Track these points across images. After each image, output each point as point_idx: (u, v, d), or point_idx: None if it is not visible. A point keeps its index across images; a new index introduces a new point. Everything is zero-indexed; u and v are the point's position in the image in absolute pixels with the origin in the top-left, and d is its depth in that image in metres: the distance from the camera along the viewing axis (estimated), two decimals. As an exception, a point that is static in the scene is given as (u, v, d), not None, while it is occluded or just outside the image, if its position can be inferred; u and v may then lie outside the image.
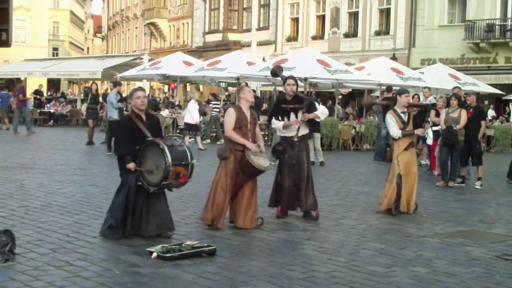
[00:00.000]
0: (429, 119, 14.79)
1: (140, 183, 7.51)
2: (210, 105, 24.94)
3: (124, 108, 17.91)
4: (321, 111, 9.38)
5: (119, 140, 7.92)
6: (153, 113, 14.88)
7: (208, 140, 24.19)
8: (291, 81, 9.21)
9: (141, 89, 8.01)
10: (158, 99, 39.28)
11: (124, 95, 19.96)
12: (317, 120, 9.54)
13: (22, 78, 36.55)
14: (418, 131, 10.04)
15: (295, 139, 9.08)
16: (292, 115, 9.16)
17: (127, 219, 7.52)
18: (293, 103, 9.14)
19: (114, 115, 18.10)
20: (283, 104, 9.22)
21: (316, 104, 9.57)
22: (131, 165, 7.45)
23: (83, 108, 26.42)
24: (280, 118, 9.21)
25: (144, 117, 7.76)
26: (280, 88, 27.98)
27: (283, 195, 9.15)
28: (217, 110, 24.83)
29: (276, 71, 9.95)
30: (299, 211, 9.28)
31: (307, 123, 9.27)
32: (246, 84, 22.59)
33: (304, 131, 9.27)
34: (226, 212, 8.37)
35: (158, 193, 7.65)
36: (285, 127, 9.16)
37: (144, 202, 7.58)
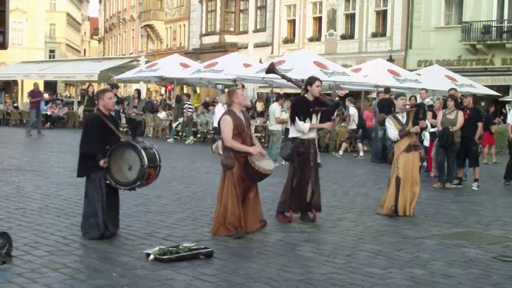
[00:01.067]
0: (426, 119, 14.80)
1: (108, 181, 7.64)
2: (186, 105, 25.01)
3: (121, 110, 17.89)
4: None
5: (89, 138, 7.74)
6: (149, 115, 14.88)
7: (190, 140, 24.23)
8: (319, 83, 9.23)
9: (110, 89, 8.09)
10: (155, 102, 39.28)
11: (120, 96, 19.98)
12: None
13: (19, 81, 36.51)
14: (414, 129, 10.07)
15: (327, 141, 9.19)
16: (314, 117, 9.18)
17: (104, 217, 7.60)
18: (316, 104, 9.15)
19: None
20: (305, 105, 9.17)
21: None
22: (102, 162, 7.55)
23: (80, 110, 26.44)
24: (302, 119, 9.14)
25: (109, 116, 7.88)
26: (276, 90, 27.98)
27: (296, 198, 9.14)
28: (191, 110, 24.95)
29: (272, 68, 9.97)
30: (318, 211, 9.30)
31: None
32: (243, 86, 22.70)
33: (316, 133, 9.46)
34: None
35: (114, 191, 7.80)
36: (312, 128, 9.17)
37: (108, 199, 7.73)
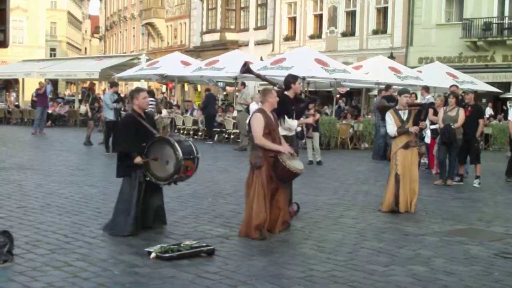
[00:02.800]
0: (428, 119, 14.78)
1: (148, 178, 7.79)
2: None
3: (122, 109, 17.90)
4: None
5: (123, 138, 7.96)
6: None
7: None
8: (300, 80, 9.29)
9: (144, 89, 8.27)
10: (158, 100, 39.26)
11: (121, 95, 20.01)
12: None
13: (20, 79, 36.51)
14: (413, 128, 10.06)
15: (310, 136, 9.15)
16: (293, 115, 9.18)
17: (138, 214, 7.76)
18: (296, 101, 9.16)
19: (109, 115, 18.12)
20: (289, 102, 9.14)
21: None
22: (138, 159, 7.68)
23: (82, 109, 26.44)
24: (286, 117, 9.13)
25: (143, 115, 8.04)
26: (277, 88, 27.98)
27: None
28: (152, 107, 25.01)
29: (247, 68, 9.99)
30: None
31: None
32: (244, 84, 22.70)
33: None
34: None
35: (156, 187, 7.97)
36: (299, 125, 9.21)
37: (146, 196, 7.89)
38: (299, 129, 9.35)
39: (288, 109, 9.10)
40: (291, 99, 9.12)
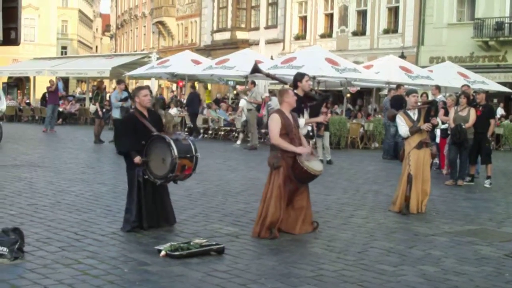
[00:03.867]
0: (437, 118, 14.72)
1: (147, 176, 7.81)
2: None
3: (132, 107, 17.96)
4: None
5: (122, 137, 8.09)
6: (161, 111, 14.93)
7: None
8: (308, 77, 9.21)
9: (146, 87, 8.26)
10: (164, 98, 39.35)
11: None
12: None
13: (31, 77, 36.63)
14: (425, 126, 10.01)
15: (321, 134, 9.07)
16: (305, 113, 9.11)
17: (142, 212, 7.80)
18: (306, 100, 9.11)
19: (115, 114, 18.20)
20: (298, 101, 9.14)
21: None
22: (137, 159, 7.72)
23: (92, 107, 26.50)
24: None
25: (146, 113, 8.04)
26: (286, 86, 27.95)
27: None
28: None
29: (256, 68, 9.93)
30: None
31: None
32: (254, 83, 22.69)
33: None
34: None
35: (162, 186, 7.97)
36: (306, 123, 9.09)
37: (149, 195, 7.90)
38: (309, 127, 9.28)
39: (295, 107, 9.12)
40: (301, 97, 9.11)
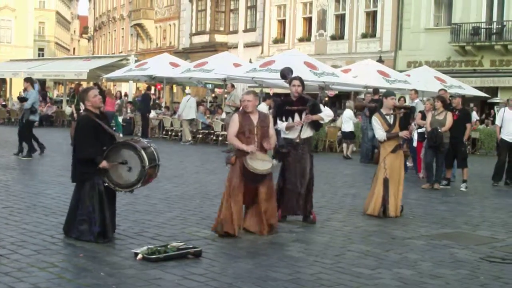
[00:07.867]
0: (414, 122, 14.81)
1: (107, 184, 7.40)
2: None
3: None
4: (326, 113, 9.30)
5: (84, 142, 7.38)
6: (138, 114, 14.86)
7: None
8: (296, 82, 9.18)
9: (94, 87, 7.87)
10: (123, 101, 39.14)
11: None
12: (321, 122, 9.44)
13: (8, 79, 36.31)
14: (403, 133, 10.05)
15: (297, 141, 9.05)
16: (296, 116, 9.08)
17: (107, 222, 7.43)
18: (298, 104, 9.11)
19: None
20: (287, 105, 9.17)
21: (321, 106, 9.41)
22: (104, 163, 7.29)
23: (67, 110, 26.32)
24: (284, 119, 9.11)
25: (100, 115, 7.61)
26: (266, 90, 27.97)
27: (284, 199, 9.09)
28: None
29: (285, 73, 9.79)
30: (299, 214, 9.22)
31: (311, 125, 9.20)
32: (233, 86, 22.69)
33: (308, 133, 9.22)
34: (239, 219, 8.06)
35: (113, 195, 7.63)
36: (287, 128, 9.08)
37: (108, 203, 7.51)
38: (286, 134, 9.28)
39: (280, 111, 9.23)
40: (293, 101, 9.13)
